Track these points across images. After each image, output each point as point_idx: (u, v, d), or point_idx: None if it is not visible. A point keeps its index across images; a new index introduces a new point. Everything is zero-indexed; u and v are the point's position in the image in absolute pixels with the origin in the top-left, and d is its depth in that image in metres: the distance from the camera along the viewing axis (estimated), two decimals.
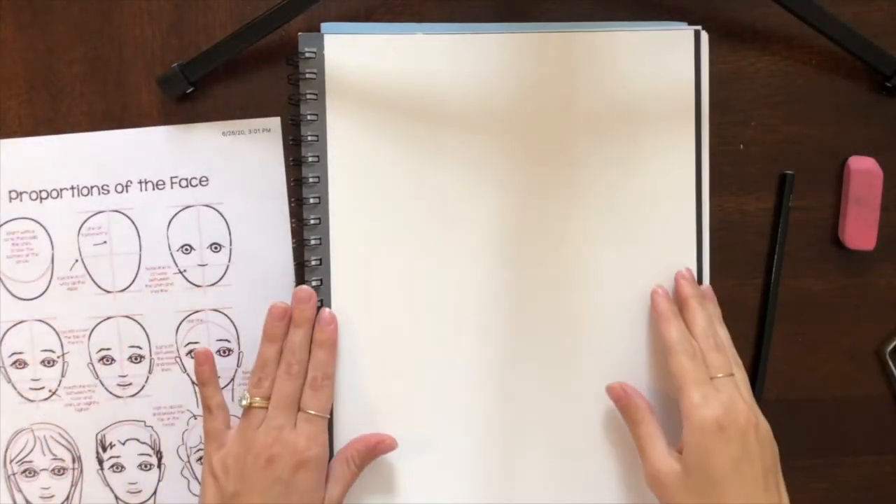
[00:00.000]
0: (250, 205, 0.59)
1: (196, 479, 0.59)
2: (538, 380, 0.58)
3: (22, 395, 0.59)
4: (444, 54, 0.57)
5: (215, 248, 0.59)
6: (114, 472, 0.59)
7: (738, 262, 0.60)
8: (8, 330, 0.59)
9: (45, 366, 0.59)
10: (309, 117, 0.57)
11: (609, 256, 0.58)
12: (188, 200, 0.59)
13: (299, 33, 0.56)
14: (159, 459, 0.59)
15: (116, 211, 0.59)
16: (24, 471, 0.59)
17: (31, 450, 0.59)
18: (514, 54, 0.57)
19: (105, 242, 0.59)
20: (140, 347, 0.59)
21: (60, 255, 0.59)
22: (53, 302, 0.59)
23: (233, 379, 0.59)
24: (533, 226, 0.58)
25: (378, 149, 0.57)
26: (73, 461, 0.59)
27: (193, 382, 0.58)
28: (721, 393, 0.52)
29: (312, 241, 0.57)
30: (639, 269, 0.58)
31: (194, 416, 0.59)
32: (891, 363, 0.60)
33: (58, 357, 0.59)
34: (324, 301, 0.57)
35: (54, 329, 0.59)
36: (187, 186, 0.59)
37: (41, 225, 0.59)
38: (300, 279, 0.58)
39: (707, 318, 0.55)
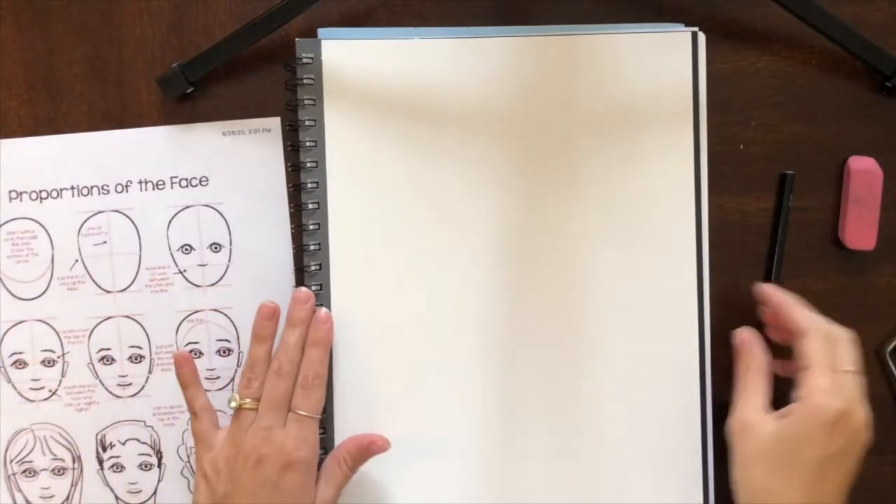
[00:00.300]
0: (250, 205, 0.59)
1: None
2: (538, 380, 0.58)
3: (22, 395, 0.59)
4: (441, 58, 0.57)
5: (215, 248, 0.59)
6: (114, 472, 0.59)
7: (738, 262, 0.60)
8: (8, 330, 0.59)
9: (45, 366, 0.59)
10: (307, 123, 0.57)
11: (609, 257, 0.58)
12: (188, 200, 0.59)
13: (297, 39, 0.56)
14: (159, 459, 0.59)
15: (116, 211, 0.59)
16: (24, 471, 0.59)
17: (31, 450, 0.59)
18: (513, 57, 0.57)
19: (105, 242, 0.59)
20: (140, 347, 0.59)
21: (60, 255, 0.59)
22: (53, 302, 0.59)
23: (233, 379, 0.59)
24: (533, 227, 0.58)
25: (376, 153, 0.57)
26: (73, 461, 0.59)
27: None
28: (847, 389, 0.51)
29: (312, 247, 0.57)
30: (638, 269, 0.58)
31: None
32: (891, 363, 0.60)
33: (58, 357, 0.59)
34: (324, 305, 0.57)
35: (54, 329, 0.59)
36: (187, 186, 0.59)
37: (41, 225, 0.59)
38: (300, 284, 0.58)
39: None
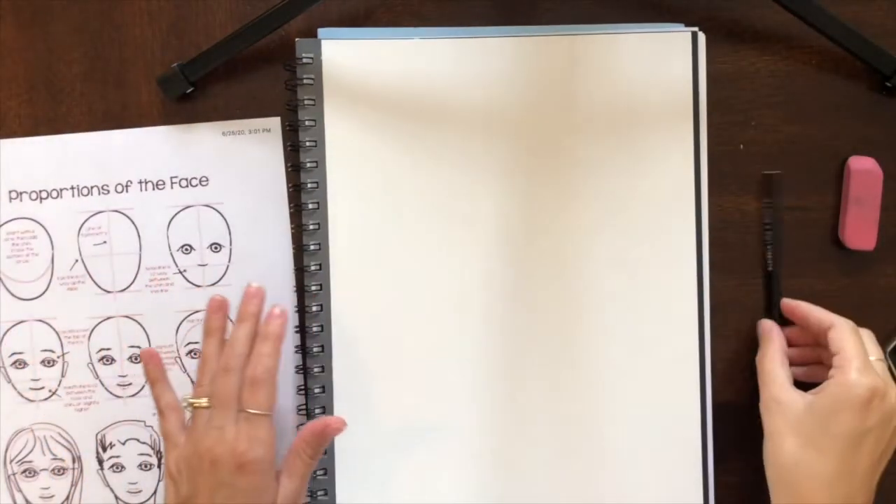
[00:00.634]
0: (250, 205, 0.59)
1: None
2: (538, 378, 0.58)
3: (22, 395, 0.59)
4: (441, 58, 0.57)
5: (215, 248, 0.59)
6: (114, 472, 0.59)
7: (738, 262, 0.60)
8: (8, 330, 0.59)
9: (45, 366, 0.59)
10: (307, 123, 0.57)
11: (609, 256, 0.58)
12: (188, 200, 0.59)
13: (297, 39, 0.56)
14: (159, 459, 0.59)
15: (116, 211, 0.59)
16: (24, 471, 0.59)
17: (31, 450, 0.59)
18: (513, 57, 0.57)
19: (105, 242, 0.59)
20: (140, 347, 0.59)
21: (60, 255, 0.59)
22: (53, 302, 0.59)
23: None
24: (532, 226, 0.58)
25: (376, 153, 0.57)
26: (73, 461, 0.59)
27: (193, 382, 0.58)
28: (880, 372, 0.53)
29: (312, 247, 0.57)
30: (639, 269, 0.58)
31: None
32: (891, 363, 0.60)
33: (58, 357, 0.59)
34: (323, 305, 0.57)
35: (54, 329, 0.59)
36: (187, 186, 0.59)
37: (41, 225, 0.59)
38: (300, 283, 0.58)
39: None
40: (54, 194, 0.59)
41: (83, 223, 0.59)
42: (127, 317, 0.59)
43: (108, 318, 0.59)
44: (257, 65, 0.58)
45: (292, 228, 0.58)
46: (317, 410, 0.57)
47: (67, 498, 0.59)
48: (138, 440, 0.59)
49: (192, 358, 0.58)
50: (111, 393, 0.59)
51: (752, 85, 0.60)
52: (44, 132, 0.59)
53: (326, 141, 0.57)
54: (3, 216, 0.59)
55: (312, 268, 0.57)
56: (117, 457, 0.59)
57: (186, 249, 0.59)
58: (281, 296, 0.58)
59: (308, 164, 0.57)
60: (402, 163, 0.57)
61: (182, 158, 0.59)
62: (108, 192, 0.59)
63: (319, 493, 0.57)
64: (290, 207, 0.58)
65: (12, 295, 0.59)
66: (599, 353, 0.58)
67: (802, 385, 0.54)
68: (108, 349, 0.59)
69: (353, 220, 0.57)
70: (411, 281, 0.57)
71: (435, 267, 0.57)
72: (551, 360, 0.58)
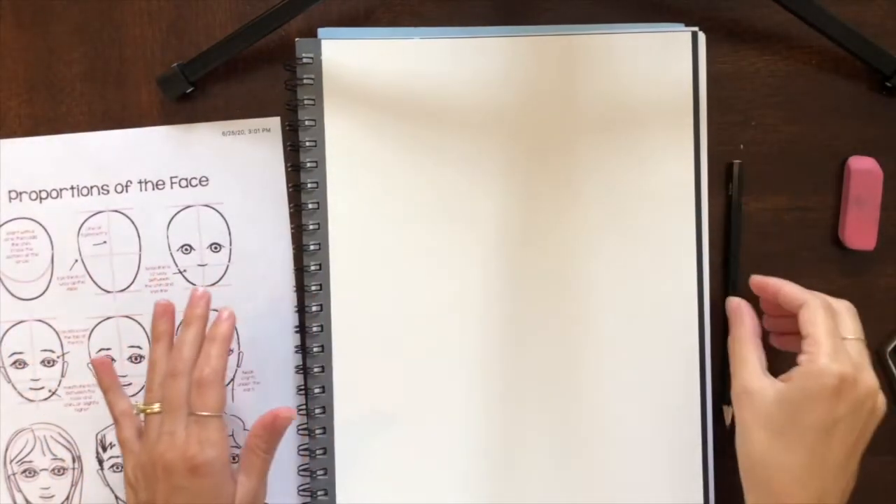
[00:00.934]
0: (250, 205, 0.59)
1: None
2: (538, 379, 0.58)
3: (22, 395, 0.59)
4: (441, 58, 0.57)
5: (215, 248, 0.59)
6: (114, 472, 0.59)
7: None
8: (8, 330, 0.59)
9: (45, 366, 0.59)
10: (307, 122, 0.57)
11: (609, 256, 0.58)
12: (188, 200, 0.59)
13: (297, 39, 0.56)
14: None
15: (116, 211, 0.59)
16: (24, 471, 0.59)
17: (31, 450, 0.59)
18: (513, 57, 0.57)
19: (105, 242, 0.59)
20: (140, 347, 0.59)
21: (60, 255, 0.59)
22: (53, 302, 0.59)
23: (233, 379, 0.59)
24: (532, 226, 0.58)
25: (376, 153, 0.57)
26: (73, 461, 0.59)
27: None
28: (852, 355, 0.50)
29: (311, 247, 0.57)
30: (639, 269, 0.58)
31: None
32: (891, 363, 0.60)
33: (58, 357, 0.59)
34: (323, 305, 0.57)
35: (54, 329, 0.59)
36: (187, 186, 0.59)
37: (41, 225, 0.59)
38: (300, 283, 0.58)
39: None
40: (54, 194, 0.59)
41: (83, 223, 0.59)
42: (127, 317, 0.59)
43: (108, 318, 0.59)
44: (257, 65, 0.58)
45: (292, 228, 0.58)
46: (317, 410, 0.57)
47: (67, 498, 0.59)
48: None
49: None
50: None
51: (752, 85, 0.60)
52: (44, 132, 0.59)
53: (326, 141, 0.57)
54: (3, 216, 0.59)
55: (312, 268, 0.57)
56: (117, 457, 0.59)
57: (186, 249, 0.59)
58: (281, 296, 0.58)
59: (308, 164, 0.57)
60: (401, 162, 0.57)
61: (182, 158, 0.59)
62: (108, 192, 0.59)
63: (319, 493, 0.57)
64: (290, 207, 0.58)
65: (12, 295, 0.59)
66: (599, 352, 0.58)
67: (783, 358, 0.53)
68: (108, 349, 0.59)
69: (353, 220, 0.57)
70: (411, 281, 0.57)
71: (435, 267, 0.57)
72: (551, 360, 0.58)
